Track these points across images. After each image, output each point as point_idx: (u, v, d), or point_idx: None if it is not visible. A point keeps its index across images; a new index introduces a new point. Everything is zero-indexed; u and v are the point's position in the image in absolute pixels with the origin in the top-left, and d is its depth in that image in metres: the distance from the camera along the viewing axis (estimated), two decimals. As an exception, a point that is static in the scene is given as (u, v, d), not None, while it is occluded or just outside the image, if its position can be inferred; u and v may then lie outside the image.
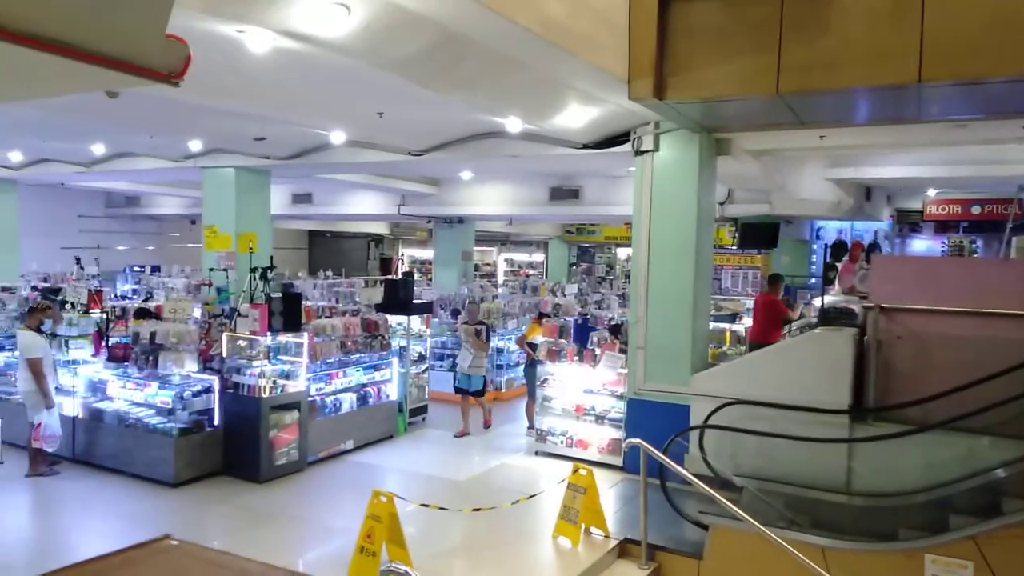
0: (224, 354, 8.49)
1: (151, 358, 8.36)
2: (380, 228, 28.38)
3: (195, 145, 11.27)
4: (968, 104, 6.60)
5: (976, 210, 16.30)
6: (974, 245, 18.30)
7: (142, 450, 8.06)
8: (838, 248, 14.77)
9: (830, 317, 7.57)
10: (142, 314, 9.49)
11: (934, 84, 5.46)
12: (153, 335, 8.40)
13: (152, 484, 7.89)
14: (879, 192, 16.71)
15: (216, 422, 8.22)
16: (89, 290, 9.99)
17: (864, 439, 6.38)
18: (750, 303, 13.56)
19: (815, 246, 18.60)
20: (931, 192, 16.23)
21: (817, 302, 9.28)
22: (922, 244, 19.23)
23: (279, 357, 8.61)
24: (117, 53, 2.80)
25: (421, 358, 11.10)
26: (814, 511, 6.47)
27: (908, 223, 18.87)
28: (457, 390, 10.44)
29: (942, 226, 18.28)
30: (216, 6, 4.71)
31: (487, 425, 10.52)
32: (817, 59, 5.69)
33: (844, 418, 6.60)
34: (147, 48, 2.96)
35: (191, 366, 8.47)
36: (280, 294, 8.92)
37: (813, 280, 17.34)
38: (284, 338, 8.58)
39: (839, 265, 10.37)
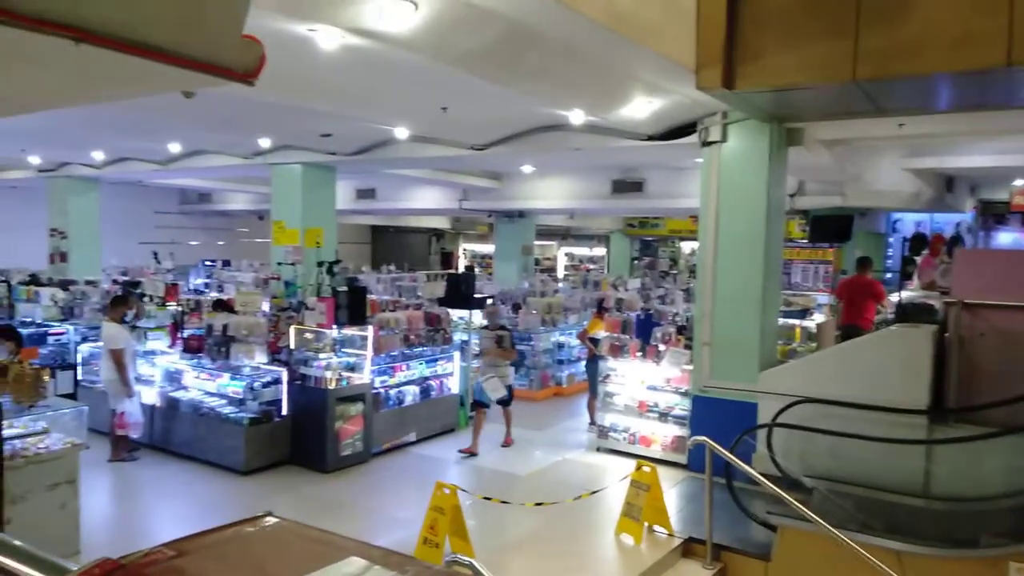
0: (292, 346, 8.70)
1: (223, 349, 8.64)
2: (441, 223, 28.66)
3: (264, 142, 11.58)
4: (1061, 88, 6.21)
5: (1067, 201, 15.33)
6: (1065, 238, 17.28)
7: (214, 438, 8.35)
8: (917, 241, 14.18)
9: (908, 313, 7.28)
10: (219, 306, 9.82)
11: (1024, 68, 5.15)
12: (225, 327, 8.68)
13: (223, 471, 8.17)
14: (962, 182, 15.94)
15: (284, 413, 8.44)
16: (165, 283, 10.39)
17: (944, 440, 6.10)
18: (822, 299, 13.16)
19: (891, 239, 17.90)
20: (1019, 182, 15.34)
21: (894, 297, 8.92)
22: (1008, 237, 18.25)
23: (344, 350, 8.77)
24: (197, 54, 2.89)
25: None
26: (889, 514, 6.21)
27: (993, 215, 17.95)
28: (475, 404, 9.41)
29: (1029, 218, 17.33)
30: (289, 5, 4.81)
31: (507, 444, 9.42)
32: (897, 44, 5.42)
33: (922, 419, 6.33)
34: (225, 48, 3.03)
35: (261, 358, 8.72)
36: (345, 288, 9.09)
37: (889, 275, 16.68)
38: (349, 331, 8.74)
39: (918, 259, 9.95)
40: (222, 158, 13.15)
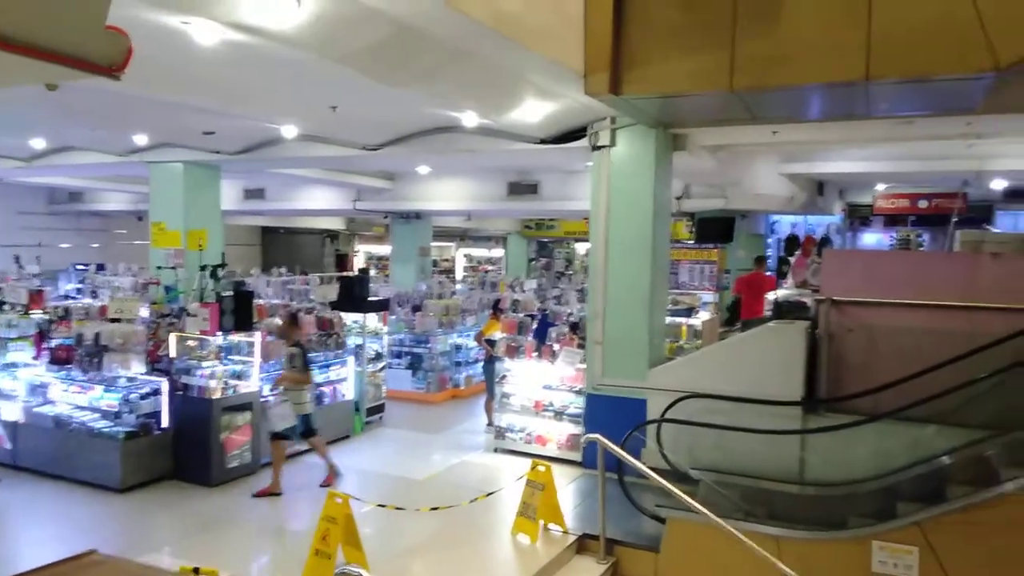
0: (173, 355, 8.26)
1: (95, 360, 8.08)
2: (335, 224, 27.96)
3: (140, 139, 10.92)
4: (915, 101, 6.75)
5: (923, 204, 16.76)
6: (920, 239, 18.83)
7: (86, 455, 7.80)
8: (791, 242, 15.08)
9: (783, 310, 7.71)
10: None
11: (882, 81, 5.56)
12: (97, 336, 8.12)
13: (98, 490, 7.65)
14: (831, 187, 17.08)
15: (164, 425, 8.00)
16: (29, 290, 9.62)
17: (815, 430, 6.51)
18: (707, 297, 13.77)
19: (770, 240, 18.94)
20: (880, 187, 16.64)
21: (771, 295, 9.45)
22: (872, 238, 19.72)
23: (230, 357, 8.41)
24: (54, 45, 2.68)
25: (378, 356, 10.97)
26: (769, 502, 6.57)
27: (859, 217, 19.32)
28: (272, 436, 7.84)
29: (891, 220, 18.76)
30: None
31: (327, 484, 7.88)
32: (769, 56, 5.74)
33: (797, 410, 6.72)
34: (86, 40, 2.84)
35: (138, 368, 8.22)
36: (231, 292, 8.70)
37: (768, 273, 17.65)
38: (235, 338, 8.38)
39: (792, 259, 10.58)
40: (94, 155, 12.31)
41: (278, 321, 8.18)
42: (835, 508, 6.26)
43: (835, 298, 6.79)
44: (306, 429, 8.02)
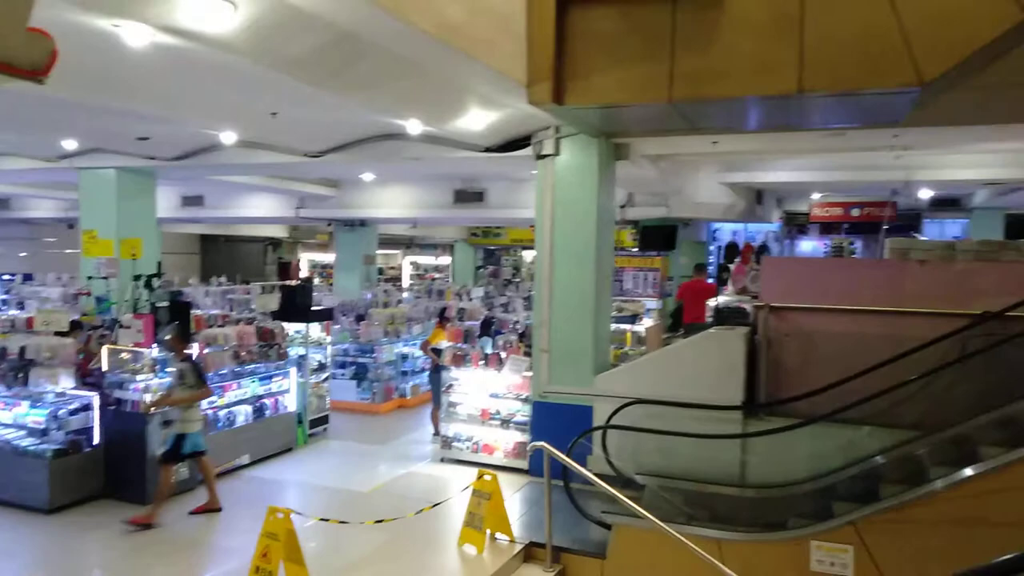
0: (105, 368, 7.95)
1: (20, 375, 7.71)
2: (278, 231, 27.44)
3: (70, 144, 10.50)
4: (844, 114, 7.00)
5: (856, 212, 17.39)
6: (853, 246, 19.53)
7: (11, 474, 7.42)
8: (731, 250, 15.44)
9: (724, 317, 7.88)
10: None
11: (813, 95, 5.75)
12: (23, 350, 7.76)
13: (24, 511, 7.28)
14: (769, 195, 17.57)
15: (96, 441, 7.68)
16: (-53, 302, 9.15)
17: (755, 433, 6.66)
18: (650, 303, 13.98)
19: (712, 247, 19.37)
20: (816, 195, 17.19)
21: (711, 302, 9.65)
22: (808, 245, 20.37)
23: (167, 370, 8.13)
24: (-31, 47, 2.56)
25: (321, 367, 10.78)
26: (712, 505, 6.69)
27: (796, 225, 19.94)
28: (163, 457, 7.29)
29: (827, 227, 19.42)
30: (87, -3, 4.39)
31: (199, 511, 7.30)
32: (707, 69, 5.88)
33: (738, 414, 6.87)
34: (6, 42, 2.72)
35: (67, 382, 7.88)
36: (167, 303, 8.44)
37: (710, 280, 18.03)
38: (172, 350, 8.11)
39: (732, 266, 10.82)
40: (20, 161, 11.80)
41: (167, 336, 7.55)
42: (775, 509, 6.42)
43: (773, 304, 6.97)
44: (191, 451, 7.28)
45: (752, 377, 7.03)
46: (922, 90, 5.49)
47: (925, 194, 14.99)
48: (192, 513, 7.29)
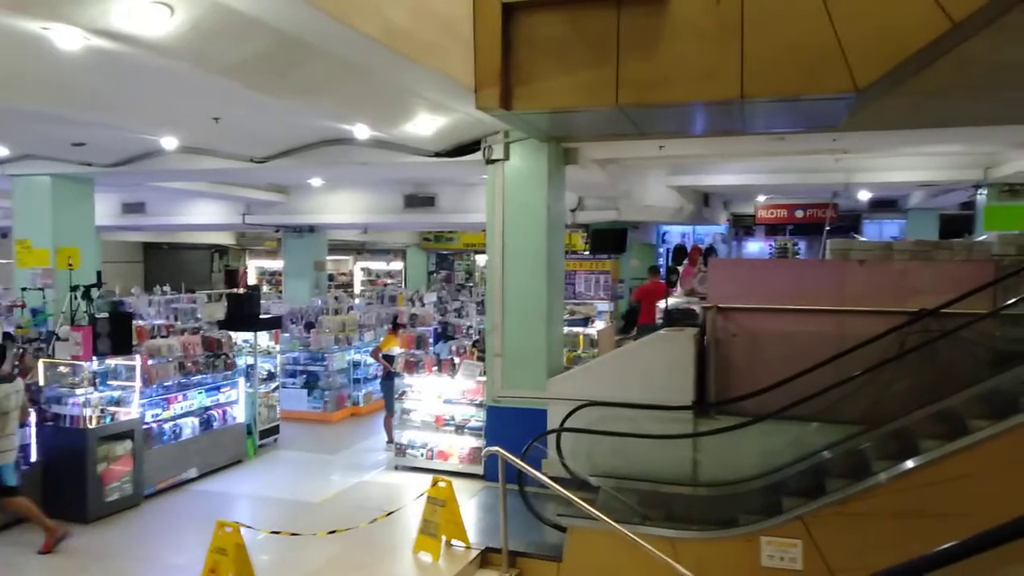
0: (41, 383, 7.65)
1: (-51, 392, 7.35)
2: (225, 238, 26.83)
3: (0, 151, 10.09)
4: (785, 118, 7.19)
5: (800, 214, 17.89)
6: (797, 247, 20.06)
7: (-60, 497, 7.07)
8: (679, 252, 15.68)
9: (673, 318, 8.00)
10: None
11: (754, 100, 5.88)
12: (-49, 366, 7.40)
13: (-46, 535, 6.95)
14: (716, 198, 17.93)
15: (33, 459, 7.37)
16: None
17: (705, 433, 6.76)
18: (602, 306, 14.10)
19: (661, 250, 19.66)
20: (761, 198, 17.62)
21: (661, 304, 9.78)
22: (755, 246, 20.84)
23: (108, 383, 7.87)
24: None
25: (271, 376, 10.56)
26: (666, 504, 6.76)
27: (743, 227, 20.39)
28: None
29: (772, 229, 19.92)
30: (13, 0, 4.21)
31: (46, 550, 6.55)
32: (651, 74, 5.96)
33: (689, 413, 6.97)
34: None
35: (1, 399, 7.53)
36: (107, 314, 8.16)
37: (661, 281, 18.28)
38: (113, 362, 7.86)
39: (680, 268, 11.02)
40: (-54, 167, 11.27)
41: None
42: (727, 507, 6.52)
43: (720, 305, 7.10)
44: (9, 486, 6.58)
45: (702, 377, 7.15)
46: (857, 96, 5.67)
47: (864, 196, 15.50)
48: (41, 553, 6.55)
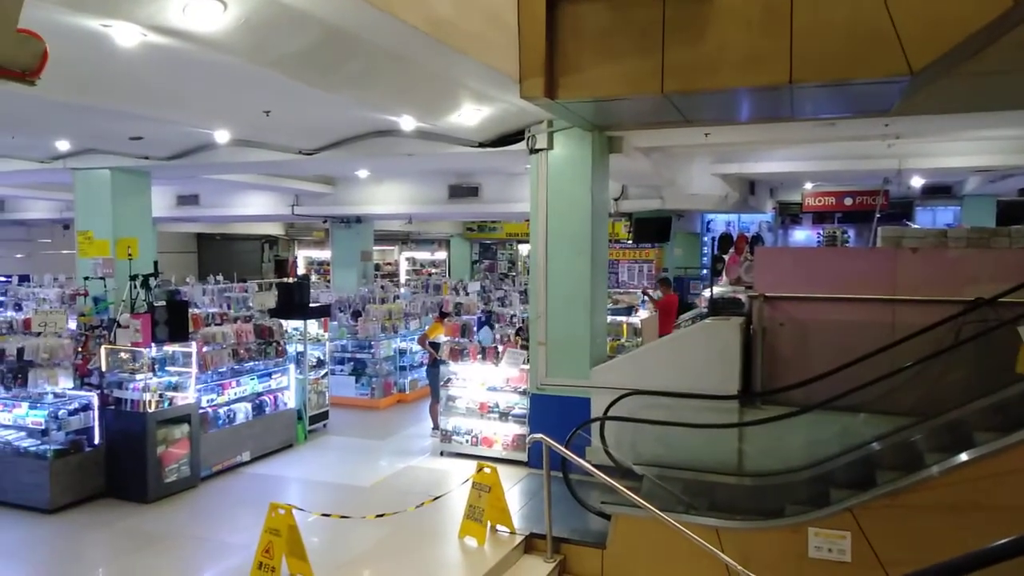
0: (104, 368, 7.97)
1: (20, 376, 7.73)
2: (275, 229, 27.44)
3: (63, 145, 10.49)
4: (835, 104, 7.03)
5: (848, 202, 17.44)
6: (846, 235, 19.58)
7: (12, 475, 7.45)
8: (724, 240, 15.43)
9: (719, 307, 7.92)
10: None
11: (803, 85, 5.78)
12: (21, 351, 7.77)
13: (25, 511, 7.31)
14: (762, 186, 17.61)
15: (97, 441, 7.71)
16: (-55, 305, 9.15)
17: (752, 423, 6.70)
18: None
19: (705, 239, 19.42)
20: (808, 185, 17.24)
21: (706, 293, 9.68)
22: (802, 234, 20.42)
23: (166, 368, 8.16)
24: (-41, 50, 2.57)
25: (320, 363, 10.81)
26: (710, 494, 6.74)
27: (789, 215, 19.98)
28: None
29: (819, 217, 19.47)
30: (77, -1, 4.39)
31: None
32: (697, 61, 5.90)
33: (735, 403, 6.92)
34: (-4, 44, 2.72)
35: (66, 383, 7.90)
36: (164, 302, 8.45)
37: (704, 271, 18.10)
38: (170, 348, 8.14)
39: (726, 257, 10.86)
40: (12, 162, 11.78)
41: None
42: (772, 497, 6.46)
43: (767, 294, 7.01)
44: None
45: (748, 366, 7.08)
46: (912, 79, 5.52)
47: (917, 182, 15.04)
48: None
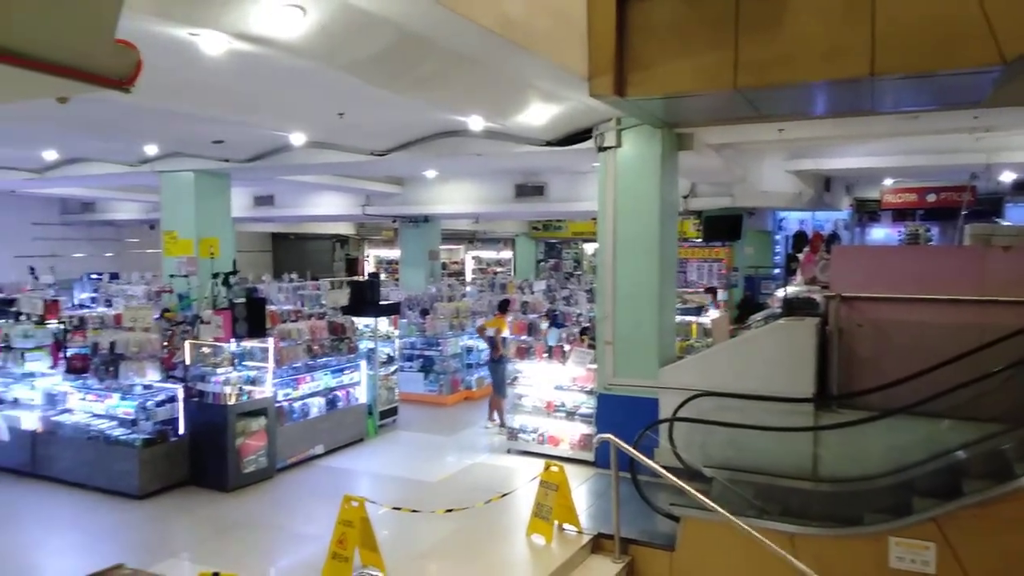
0: (188, 362, 8.34)
1: (111, 368, 8.17)
2: (345, 228, 28.11)
3: (151, 149, 11.05)
4: (919, 96, 6.74)
5: (931, 198, 16.65)
6: (929, 233, 18.72)
7: (104, 463, 7.88)
8: (799, 239, 15.01)
9: (793, 307, 7.70)
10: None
11: (886, 77, 5.56)
12: (113, 345, 8.21)
13: (116, 497, 7.73)
14: (838, 182, 17.01)
15: (181, 431, 8.08)
16: (44, 300, 9.73)
17: (828, 426, 6.50)
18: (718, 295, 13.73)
19: (778, 237, 18.88)
20: (888, 181, 16.55)
21: (780, 293, 9.44)
22: (880, 232, 19.61)
23: (244, 363, 8.48)
24: (65, 60, 2.72)
25: (390, 360, 11.03)
26: (783, 498, 6.57)
27: (867, 212, 19.22)
28: None
29: (899, 214, 18.63)
30: (168, 9, 4.61)
31: None
32: (773, 54, 5.75)
33: (809, 406, 6.72)
34: (96, 54, 2.87)
35: (153, 375, 8.30)
36: (243, 299, 8.78)
37: (777, 271, 17.60)
38: (249, 344, 8.45)
39: (801, 256, 10.57)
40: (105, 166, 12.45)
41: None
42: (850, 504, 6.26)
43: (844, 294, 6.79)
44: None
45: (824, 368, 6.87)
46: (1004, 69, 5.24)
47: (1007, 177, 14.24)
48: None
